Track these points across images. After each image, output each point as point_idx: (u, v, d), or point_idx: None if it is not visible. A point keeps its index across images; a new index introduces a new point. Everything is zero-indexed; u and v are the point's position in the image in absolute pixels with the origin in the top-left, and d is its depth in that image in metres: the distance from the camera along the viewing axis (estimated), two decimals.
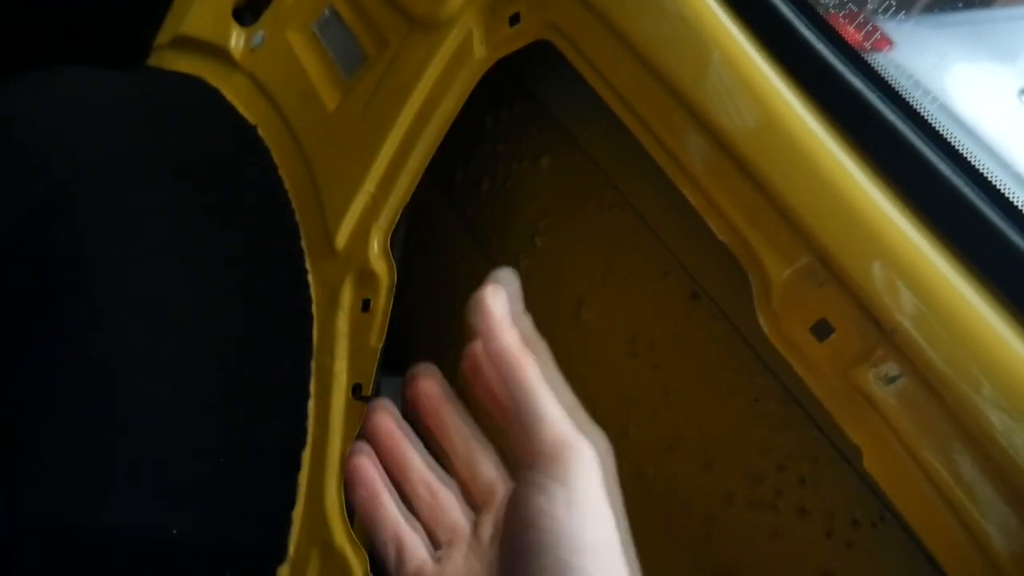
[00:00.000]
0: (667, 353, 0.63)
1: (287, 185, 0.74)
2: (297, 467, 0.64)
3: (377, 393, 0.79)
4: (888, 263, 0.43)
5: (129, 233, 0.70)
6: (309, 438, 0.65)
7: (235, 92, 0.80)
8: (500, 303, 0.37)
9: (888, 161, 0.45)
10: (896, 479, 0.43)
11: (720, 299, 0.60)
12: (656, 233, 0.64)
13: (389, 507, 0.38)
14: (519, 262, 0.73)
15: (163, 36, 0.83)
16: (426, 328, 0.81)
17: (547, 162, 0.73)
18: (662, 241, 0.63)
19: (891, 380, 0.42)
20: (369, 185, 0.67)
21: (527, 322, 0.38)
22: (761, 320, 0.48)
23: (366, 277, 0.66)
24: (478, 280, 0.78)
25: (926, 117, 0.46)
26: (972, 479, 0.41)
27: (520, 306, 0.38)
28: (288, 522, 0.63)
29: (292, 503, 0.63)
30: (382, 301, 0.65)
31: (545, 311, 0.72)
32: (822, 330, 0.45)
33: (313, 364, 0.66)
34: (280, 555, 0.63)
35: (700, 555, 0.59)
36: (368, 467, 0.39)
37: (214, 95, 0.81)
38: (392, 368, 0.80)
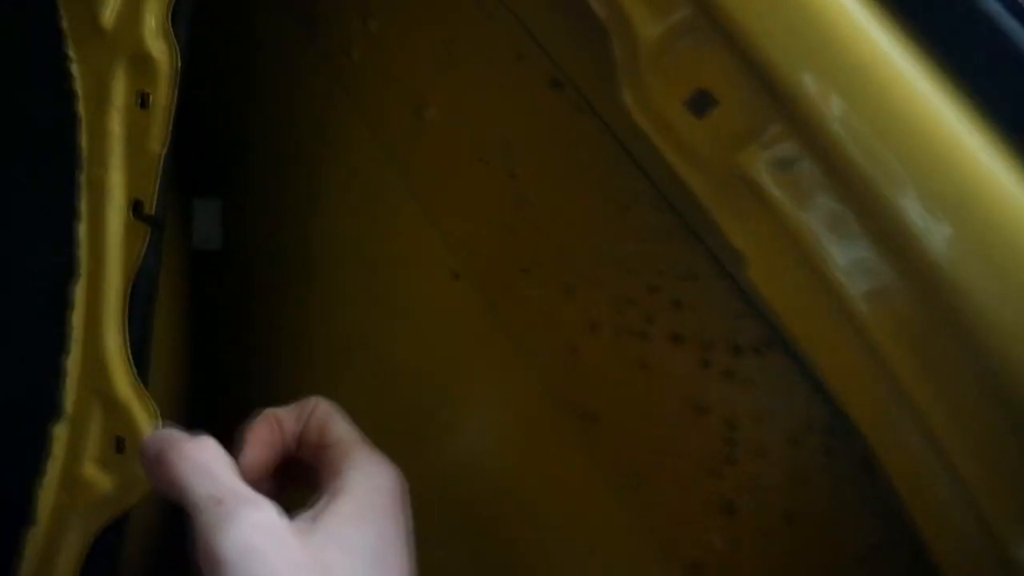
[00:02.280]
0: (524, 157, 0.52)
1: None
2: (68, 304, 0.51)
3: (189, 218, 0.66)
4: (791, 11, 0.32)
5: None
6: (83, 269, 0.52)
7: None
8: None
9: None
10: (785, 290, 0.34)
11: (586, 87, 0.48)
12: (509, 8, 0.51)
13: None
14: (350, 52, 0.60)
15: None
16: (245, 136, 0.67)
17: None
18: (517, 17, 0.51)
19: (786, 165, 0.32)
20: None
21: None
22: (625, 95, 0.37)
23: (141, 63, 0.51)
24: (303, 78, 0.64)
25: None
26: (879, 286, 0.32)
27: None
28: (61, 372, 0.51)
29: (64, 349, 0.51)
30: (163, 94, 0.51)
31: (382, 111, 0.59)
32: (701, 103, 0.34)
33: (83, 178, 0.52)
34: (53, 411, 0.51)
35: (559, 392, 0.50)
36: None
37: None
38: (204, 188, 0.67)
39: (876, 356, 0.33)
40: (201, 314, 0.65)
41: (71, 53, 0.54)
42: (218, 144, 0.68)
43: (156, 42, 0.51)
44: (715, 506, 0.46)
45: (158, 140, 0.50)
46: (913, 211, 0.31)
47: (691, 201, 0.45)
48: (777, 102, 0.32)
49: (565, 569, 0.45)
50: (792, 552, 0.44)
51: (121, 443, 0.50)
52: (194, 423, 0.62)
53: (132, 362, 0.50)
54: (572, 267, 0.50)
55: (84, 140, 0.53)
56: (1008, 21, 0.31)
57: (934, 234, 0.31)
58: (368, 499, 0.34)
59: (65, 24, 0.54)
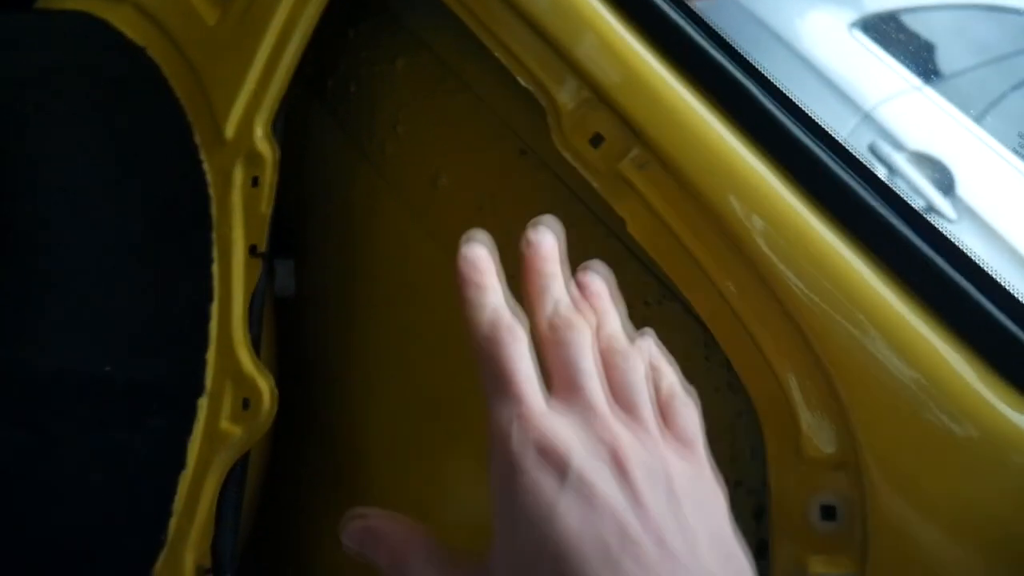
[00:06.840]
0: (505, 203, 0.78)
1: (177, 93, 0.85)
2: (207, 318, 0.77)
3: (272, 272, 0.92)
4: (641, 92, 0.60)
5: (39, 142, 0.81)
6: (216, 294, 0.77)
7: (122, 20, 0.91)
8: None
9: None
10: (654, 240, 0.59)
11: (541, 151, 0.76)
12: (490, 106, 0.79)
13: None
14: (384, 149, 0.87)
15: None
16: (312, 215, 0.94)
17: (402, 63, 0.88)
18: (495, 112, 0.79)
19: (642, 166, 0.59)
20: (250, 83, 0.80)
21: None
22: (556, 142, 0.64)
23: (253, 158, 0.78)
24: (351, 170, 0.92)
25: None
26: (705, 231, 0.58)
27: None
28: (203, 362, 0.76)
29: (205, 347, 0.76)
30: (268, 175, 0.78)
31: (408, 185, 0.87)
32: (596, 141, 0.61)
33: (214, 235, 0.79)
34: (199, 389, 0.75)
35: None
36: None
37: (101, 24, 0.92)
38: (285, 251, 0.93)
39: (712, 279, 0.58)
40: (283, 336, 0.90)
41: (203, 157, 0.82)
42: (287, 218, 0.95)
43: (263, 143, 0.78)
44: None
45: (266, 204, 0.77)
46: (708, 187, 0.57)
47: (617, 217, 0.71)
48: (635, 136, 0.59)
49: None
50: None
51: (247, 402, 0.74)
52: (283, 393, 0.86)
53: (253, 348, 0.75)
54: None
55: (214, 211, 0.79)
56: None
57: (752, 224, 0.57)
58: None
59: (199, 139, 0.82)
